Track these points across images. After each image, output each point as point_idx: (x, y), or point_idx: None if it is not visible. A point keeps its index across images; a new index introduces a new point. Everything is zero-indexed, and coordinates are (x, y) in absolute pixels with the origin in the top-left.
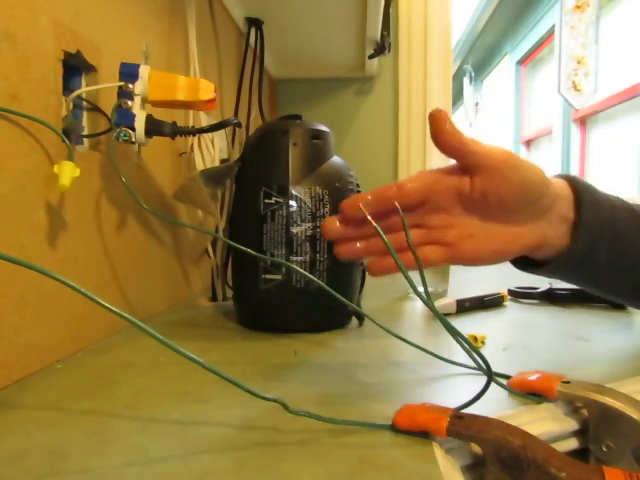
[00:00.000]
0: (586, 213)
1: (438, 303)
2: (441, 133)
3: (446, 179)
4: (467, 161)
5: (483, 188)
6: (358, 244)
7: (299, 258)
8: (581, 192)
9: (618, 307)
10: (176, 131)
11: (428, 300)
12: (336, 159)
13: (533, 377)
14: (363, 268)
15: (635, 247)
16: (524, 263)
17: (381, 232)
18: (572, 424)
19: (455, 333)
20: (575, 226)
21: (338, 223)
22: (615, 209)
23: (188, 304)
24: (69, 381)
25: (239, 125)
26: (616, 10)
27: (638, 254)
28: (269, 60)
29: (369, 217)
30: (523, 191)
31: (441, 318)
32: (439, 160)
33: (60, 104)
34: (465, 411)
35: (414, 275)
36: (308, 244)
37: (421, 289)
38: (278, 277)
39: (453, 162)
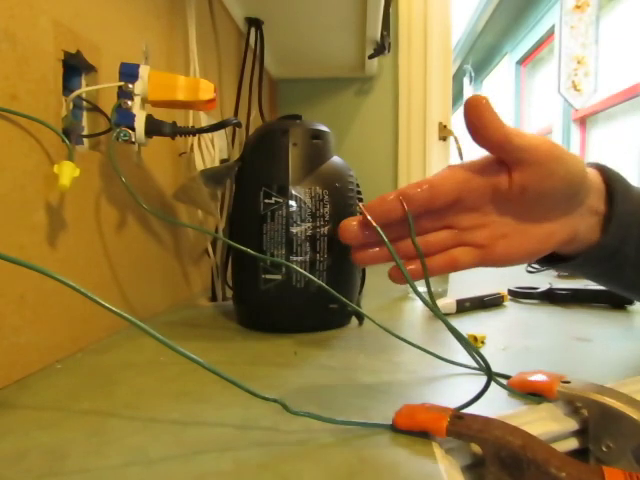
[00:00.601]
0: (618, 205)
1: (438, 303)
2: (483, 127)
3: (481, 175)
4: (510, 156)
5: (524, 183)
6: (377, 249)
7: (299, 258)
8: (613, 182)
9: (618, 307)
10: (176, 131)
11: (430, 301)
12: (336, 159)
13: (533, 377)
14: (363, 268)
15: None
16: (547, 258)
17: (385, 237)
18: (572, 424)
19: (455, 333)
20: (607, 219)
21: (356, 226)
22: None
23: (188, 304)
24: (69, 381)
25: (239, 125)
26: (616, 10)
27: None
28: (269, 60)
29: (373, 222)
30: (565, 185)
31: (442, 318)
32: (439, 160)
33: (60, 104)
34: (465, 411)
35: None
36: (308, 244)
37: (422, 289)
38: (278, 277)
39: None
